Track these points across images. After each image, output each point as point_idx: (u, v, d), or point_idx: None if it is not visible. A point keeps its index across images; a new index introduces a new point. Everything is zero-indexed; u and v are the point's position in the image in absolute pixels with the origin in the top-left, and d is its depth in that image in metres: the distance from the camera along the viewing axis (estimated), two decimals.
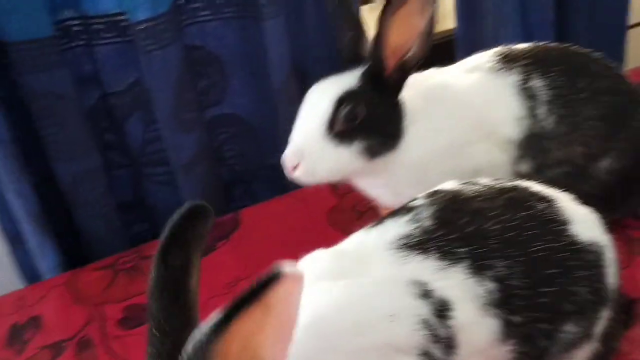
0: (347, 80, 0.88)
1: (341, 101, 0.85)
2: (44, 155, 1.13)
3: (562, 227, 0.67)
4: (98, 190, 1.18)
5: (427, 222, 0.67)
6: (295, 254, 1.09)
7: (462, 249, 0.65)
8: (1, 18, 1.00)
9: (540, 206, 0.68)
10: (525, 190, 0.71)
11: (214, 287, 1.03)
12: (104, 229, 1.21)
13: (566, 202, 0.71)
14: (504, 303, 0.63)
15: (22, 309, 1.05)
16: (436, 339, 0.62)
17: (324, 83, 0.90)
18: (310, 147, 0.86)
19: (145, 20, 1.05)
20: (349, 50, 0.92)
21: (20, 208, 1.11)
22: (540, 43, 0.98)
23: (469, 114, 0.91)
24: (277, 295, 0.43)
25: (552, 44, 0.99)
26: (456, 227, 0.66)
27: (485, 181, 0.73)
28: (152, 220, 1.31)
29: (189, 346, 0.44)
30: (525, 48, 0.96)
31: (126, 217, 1.26)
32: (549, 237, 0.66)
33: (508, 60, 0.94)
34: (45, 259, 1.16)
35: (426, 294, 0.63)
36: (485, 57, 0.96)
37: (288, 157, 0.87)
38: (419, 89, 0.91)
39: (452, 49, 1.45)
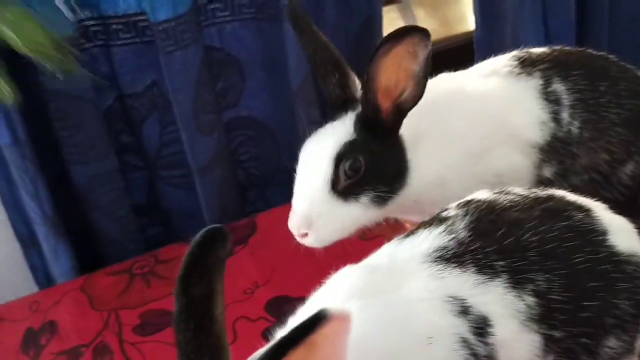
0: (341, 131, 0.84)
1: (340, 157, 0.81)
2: (60, 157, 1.11)
3: (602, 237, 0.65)
4: (114, 193, 1.16)
5: (463, 234, 0.65)
6: (313, 259, 1.08)
7: (500, 262, 0.62)
8: None
9: (578, 216, 0.66)
10: (561, 199, 0.69)
11: (233, 293, 1.01)
12: (119, 232, 1.19)
13: (602, 212, 0.69)
14: (544, 318, 0.61)
15: (36, 313, 1.03)
16: (476, 357, 0.60)
17: (318, 137, 0.85)
18: (317, 212, 0.82)
19: (166, 21, 1.03)
20: (337, 94, 0.87)
21: (35, 210, 1.09)
22: (557, 47, 0.96)
23: (486, 121, 0.88)
24: (323, 335, 0.42)
25: (569, 48, 0.97)
26: (493, 239, 0.64)
27: (519, 190, 0.71)
28: (167, 223, 1.29)
29: None
30: (544, 52, 0.94)
31: (141, 220, 1.24)
32: (589, 248, 0.64)
33: (527, 65, 0.91)
34: (58, 262, 1.14)
35: (465, 310, 0.61)
36: (503, 62, 0.94)
37: (295, 227, 0.83)
38: (427, 99, 0.86)
39: (470, 51, 1.43)
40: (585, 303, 0.62)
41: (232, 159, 1.28)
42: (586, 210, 0.67)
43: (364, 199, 0.82)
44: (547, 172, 0.90)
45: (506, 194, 0.70)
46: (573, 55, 0.94)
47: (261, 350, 0.43)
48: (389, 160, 0.84)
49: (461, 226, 0.66)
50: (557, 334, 0.62)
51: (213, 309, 0.50)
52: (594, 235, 0.65)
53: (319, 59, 0.88)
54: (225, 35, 1.17)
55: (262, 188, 1.34)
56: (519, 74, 0.91)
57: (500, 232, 0.64)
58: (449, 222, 0.67)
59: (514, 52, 0.95)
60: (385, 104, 0.81)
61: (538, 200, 0.68)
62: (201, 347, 0.49)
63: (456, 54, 1.57)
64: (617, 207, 0.73)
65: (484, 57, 0.99)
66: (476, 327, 0.60)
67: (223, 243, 0.51)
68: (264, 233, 1.15)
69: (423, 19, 1.90)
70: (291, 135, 1.25)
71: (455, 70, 0.96)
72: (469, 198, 0.71)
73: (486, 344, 0.60)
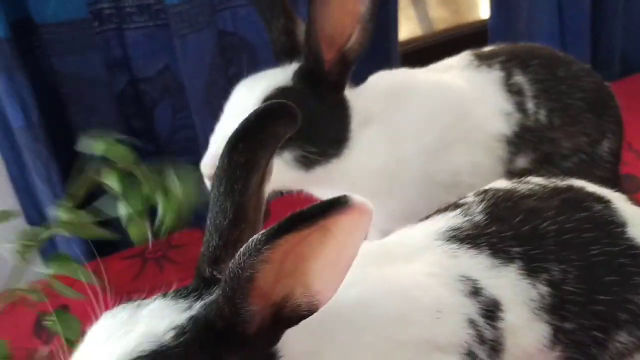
0: (278, 76, 0.78)
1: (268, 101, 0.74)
2: (74, 142, 1.10)
3: (620, 229, 0.64)
4: None
5: (478, 217, 0.64)
6: None
7: (516, 249, 0.62)
8: None
9: (597, 207, 0.66)
10: (580, 190, 0.68)
11: None
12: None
13: (622, 203, 0.68)
14: (556, 309, 0.60)
15: (48, 297, 1.03)
16: (482, 340, 0.59)
17: (252, 79, 0.80)
18: None
19: (181, 3, 1.02)
20: (282, 42, 0.81)
21: (48, 194, 1.09)
22: (503, 44, 0.94)
23: (445, 113, 0.84)
24: (340, 223, 0.41)
25: (513, 44, 0.95)
26: (510, 225, 0.63)
27: (538, 180, 0.70)
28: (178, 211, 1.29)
29: (240, 250, 0.43)
30: (496, 48, 0.92)
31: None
32: (606, 240, 0.63)
33: (485, 57, 0.89)
34: (72, 247, 1.13)
35: (476, 291, 0.60)
36: (459, 57, 0.91)
37: (205, 167, 0.78)
38: (381, 87, 0.83)
39: (482, 39, 1.42)
40: (599, 296, 0.61)
41: None
42: (606, 202, 0.66)
43: (288, 155, 0.76)
44: (522, 162, 0.87)
45: (525, 182, 0.70)
46: (524, 47, 0.93)
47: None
48: (326, 120, 0.78)
49: (477, 210, 0.65)
50: (567, 325, 0.61)
51: (249, 179, 0.50)
52: (613, 227, 0.64)
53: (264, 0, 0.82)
54: (238, 19, 1.16)
55: None
56: (479, 65, 0.88)
57: (517, 219, 0.63)
58: (465, 207, 0.66)
59: (467, 51, 0.93)
60: (328, 53, 0.75)
61: (557, 190, 0.67)
62: (225, 210, 0.50)
63: (467, 42, 1.56)
64: (609, 185, 0.73)
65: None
66: (486, 310, 0.59)
67: (284, 120, 0.51)
68: (278, 218, 1.15)
69: (434, 7, 1.89)
70: None
71: None
72: (486, 187, 0.70)
73: (495, 328, 0.59)
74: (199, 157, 1.22)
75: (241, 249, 0.44)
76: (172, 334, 0.47)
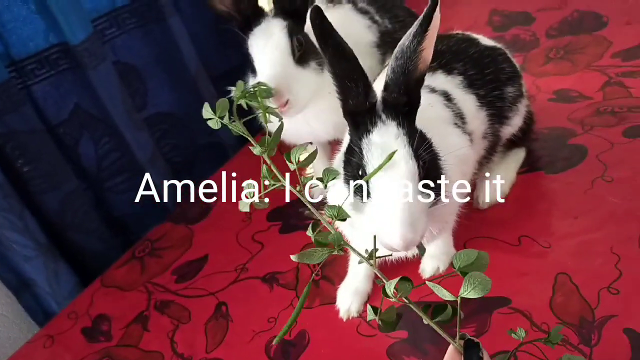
0: (276, 21, 1.04)
1: (291, 33, 1.03)
2: (29, 190, 1.20)
3: (477, 42, 1.06)
4: (83, 208, 1.28)
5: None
6: None
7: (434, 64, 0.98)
8: None
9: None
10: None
11: None
12: (98, 243, 1.31)
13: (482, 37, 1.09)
14: (470, 85, 0.98)
15: (80, 318, 1.13)
16: (456, 115, 0.93)
17: (265, 25, 1.05)
18: (290, 78, 1.00)
19: (85, 41, 1.20)
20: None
21: (27, 244, 1.17)
22: None
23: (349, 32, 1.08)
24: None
25: None
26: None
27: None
28: (123, 231, 1.42)
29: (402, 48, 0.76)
30: None
31: (110, 229, 1.37)
32: (474, 49, 1.04)
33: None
34: (62, 283, 1.23)
35: (448, 98, 0.94)
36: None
37: (278, 97, 0.99)
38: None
39: None
40: (486, 71, 1.00)
41: (160, 152, 1.45)
42: (474, 38, 1.07)
43: (313, 64, 1.04)
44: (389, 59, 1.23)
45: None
46: None
47: None
48: (309, 39, 1.06)
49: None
50: (481, 92, 0.98)
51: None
52: (475, 41, 1.05)
53: None
54: (118, 48, 1.34)
55: (190, 166, 1.54)
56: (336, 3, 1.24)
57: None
58: None
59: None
60: None
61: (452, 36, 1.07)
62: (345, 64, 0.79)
63: None
64: None
65: None
66: (448, 98, 0.94)
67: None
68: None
69: None
70: (200, 117, 1.45)
71: None
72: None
73: (454, 104, 0.94)
74: (128, 175, 1.37)
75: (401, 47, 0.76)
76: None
